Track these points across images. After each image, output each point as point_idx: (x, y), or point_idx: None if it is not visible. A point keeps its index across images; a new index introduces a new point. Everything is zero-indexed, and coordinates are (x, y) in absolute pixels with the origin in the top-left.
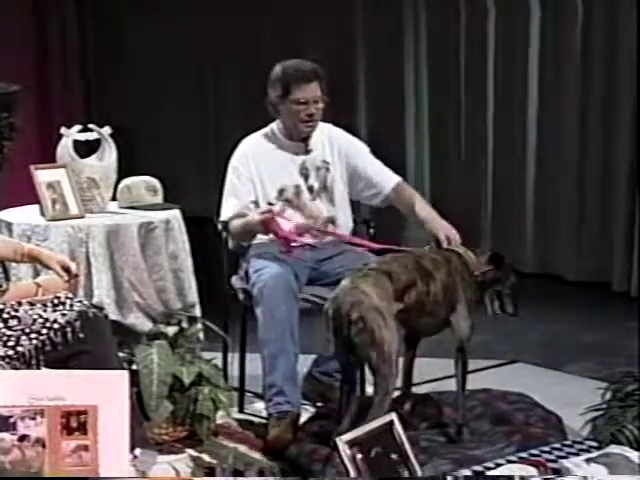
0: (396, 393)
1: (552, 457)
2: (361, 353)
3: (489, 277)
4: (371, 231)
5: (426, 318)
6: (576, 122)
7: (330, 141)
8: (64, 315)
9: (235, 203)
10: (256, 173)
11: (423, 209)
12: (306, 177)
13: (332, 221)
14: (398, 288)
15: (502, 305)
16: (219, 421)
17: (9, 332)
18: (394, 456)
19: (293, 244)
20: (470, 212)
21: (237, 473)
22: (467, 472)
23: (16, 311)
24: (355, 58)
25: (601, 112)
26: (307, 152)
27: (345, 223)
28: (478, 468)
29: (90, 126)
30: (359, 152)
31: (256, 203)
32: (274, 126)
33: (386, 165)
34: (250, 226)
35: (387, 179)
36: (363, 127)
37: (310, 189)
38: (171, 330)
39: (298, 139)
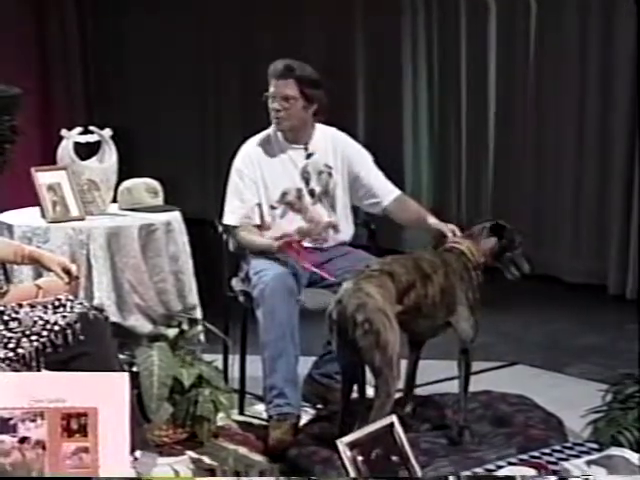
0: (397, 395)
1: (553, 459)
2: (365, 355)
3: (496, 250)
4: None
5: (423, 320)
6: (574, 125)
7: (334, 146)
8: (64, 317)
9: (239, 205)
10: (259, 175)
11: (430, 217)
12: (307, 181)
13: (333, 226)
14: (399, 289)
15: (518, 267)
16: (219, 423)
17: (9, 334)
18: (394, 458)
19: (311, 267)
20: (468, 215)
21: (237, 475)
22: (468, 474)
23: (17, 313)
24: (354, 59)
25: (599, 116)
26: (308, 156)
27: (346, 229)
28: (479, 470)
29: (90, 128)
30: (363, 160)
31: (259, 206)
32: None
33: (383, 166)
34: (264, 247)
35: (388, 191)
36: (361, 128)
37: (311, 193)
38: (171, 332)
39: (299, 142)
